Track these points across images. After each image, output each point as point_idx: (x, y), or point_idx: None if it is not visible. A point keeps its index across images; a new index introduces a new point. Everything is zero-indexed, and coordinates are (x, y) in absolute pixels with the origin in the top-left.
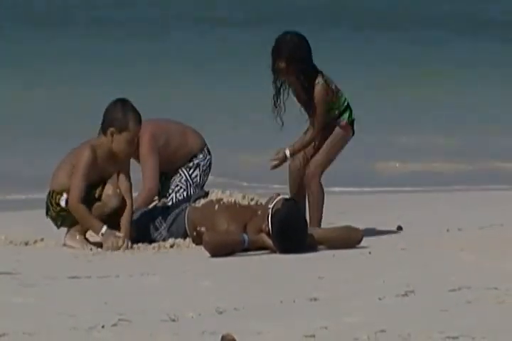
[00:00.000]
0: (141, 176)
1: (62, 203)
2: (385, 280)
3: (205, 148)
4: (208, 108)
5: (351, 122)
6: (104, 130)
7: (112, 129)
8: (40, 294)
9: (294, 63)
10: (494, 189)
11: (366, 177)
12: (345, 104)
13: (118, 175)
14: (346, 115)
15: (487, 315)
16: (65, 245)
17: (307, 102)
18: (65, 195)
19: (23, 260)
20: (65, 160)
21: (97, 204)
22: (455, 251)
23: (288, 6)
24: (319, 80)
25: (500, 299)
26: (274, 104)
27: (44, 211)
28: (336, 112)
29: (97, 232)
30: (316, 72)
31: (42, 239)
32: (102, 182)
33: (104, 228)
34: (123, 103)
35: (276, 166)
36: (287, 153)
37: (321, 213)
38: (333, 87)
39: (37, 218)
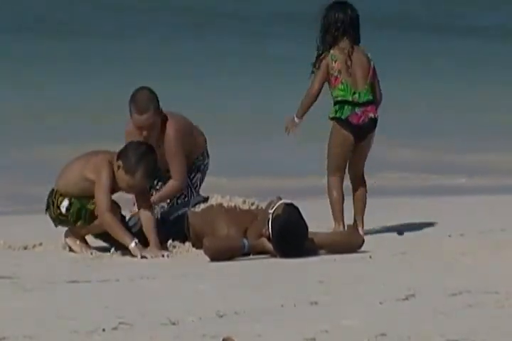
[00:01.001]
0: (170, 170)
1: (63, 209)
2: (385, 284)
3: (205, 151)
4: None
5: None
6: (117, 158)
7: (119, 163)
8: (40, 298)
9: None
10: (495, 193)
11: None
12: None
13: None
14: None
15: (487, 319)
16: (65, 244)
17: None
18: (66, 201)
19: (23, 264)
20: (76, 163)
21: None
22: (456, 256)
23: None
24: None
25: (500, 303)
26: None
27: (44, 208)
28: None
29: (126, 244)
30: None
31: (41, 244)
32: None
33: (133, 244)
34: (145, 150)
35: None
36: (295, 118)
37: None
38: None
39: (36, 222)
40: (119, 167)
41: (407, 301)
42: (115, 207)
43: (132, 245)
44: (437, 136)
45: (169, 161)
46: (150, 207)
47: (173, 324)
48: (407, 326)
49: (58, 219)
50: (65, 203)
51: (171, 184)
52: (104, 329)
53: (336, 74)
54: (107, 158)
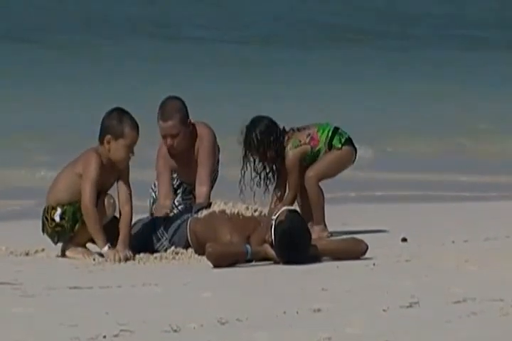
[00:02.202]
0: (199, 174)
1: (57, 218)
2: (389, 291)
3: (218, 159)
4: None
5: (345, 143)
6: (101, 139)
7: (108, 137)
8: (41, 304)
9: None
10: (501, 200)
11: (370, 188)
12: (328, 137)
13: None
14: (337, 142)
15: (492, 327)
16: (65, 257)
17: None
18: (59, 210)
19: (24, 270)
20: (62, 173)
21: None
22: (460, 263)
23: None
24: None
25: (505, 311)
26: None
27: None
28: (323, 151)
29: (99, 246)
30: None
31: (43, 250)
32: (101, 193)
33: (106, 247)
34: (118, 111)
35: None
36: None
37: (323, 212)
38: (306, 141)
39: (37, 228)
40: (109, 141)
41: (411, 308)
42: (111, 203)
43: (105, 248)
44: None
45: (200, 164)
46: (130, 200)
47: (175, 331)
48: (411, 334)
49: (55, 232)
50: (58, 212)
51: (202, 193)
52: (105, 336)
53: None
54: (93, 150)
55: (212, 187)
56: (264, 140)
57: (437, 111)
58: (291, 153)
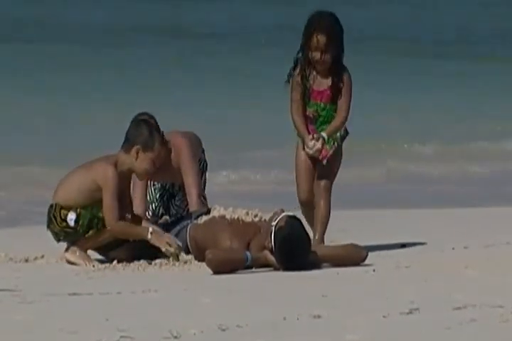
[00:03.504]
0: (184, 178)
1: (71, 222)
2: (389, 297)
3: (203, 154)
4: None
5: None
6: (127, 148)
7: (137, 147)
8: (41, 311)
9: (334, 38)
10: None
11: (369, 195)
12: None
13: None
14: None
15: (492, 334)
16: (66, 261)
17: (326, 90)
18: (73, 214)
19: (24, 277)
20: (75, 174)
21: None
22: (460, 269)
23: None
24: (347, 69)
25: (505, 317)
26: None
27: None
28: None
29: (145, 235)
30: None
31: (42, 256)
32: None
33: (151, 228)
34: (148, 122)
35: (317, 150)
36: (324, 135)
37: (325, 229)
38: None
39: (37, 234)
40: (137, 152)
41: (411, 315)
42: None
43: (149, 236)
44: None
45: (184, 175)
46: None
47: (175, 337)
48: (411, 340)
49: (63, 232)
50: (72, 216)
51: (193, 203)
52: None
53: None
54: (109, 161)
55: (203, 192)
56: (336, 21)
57: None
58: (349, 74)
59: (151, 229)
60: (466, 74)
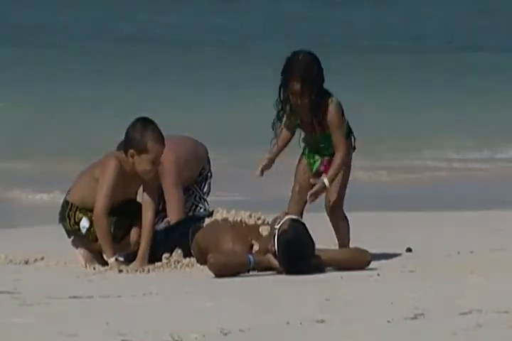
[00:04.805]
0: (167, 204)
1: (83, 230)
2: (393, 302)
3: (207, 159)
4: None
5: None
6: (125, 150)
7: (131, 151)
8: (41, 314)
9: (308, 83)
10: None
11: (375, 199)
12: (348, 126)
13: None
14: (351, 137)
15: (497, 339)
16: (76, 252)
17: (314, 125)
18: (86, 222)
19: (23, 279)
20: (87, 172)
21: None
22: (465, 274)
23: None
24: (333, 99)
25: (511, 323)
26: (274, 124)
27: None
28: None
29: (106, 256)
30: (327, 92)
31: (42, 258)
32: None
33: (113, 259)
34: (143, 122)
35: (316, 197)
36: (326, 181)
37: (349, 238)
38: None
39: (37, 236)
40: (132, 155)
41: (416, 320)
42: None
43: (112, 259)
44: None
45: (166, 196)
46: (150, 211)
47: None
48: None
49: (73, 234)
50: (85, 224)
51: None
52: None
53: None
54: (114, 156)
55: (205, 185)
56: (310, 63)
57: None
58: (335, 105)
59: (112, 260)
60: None
